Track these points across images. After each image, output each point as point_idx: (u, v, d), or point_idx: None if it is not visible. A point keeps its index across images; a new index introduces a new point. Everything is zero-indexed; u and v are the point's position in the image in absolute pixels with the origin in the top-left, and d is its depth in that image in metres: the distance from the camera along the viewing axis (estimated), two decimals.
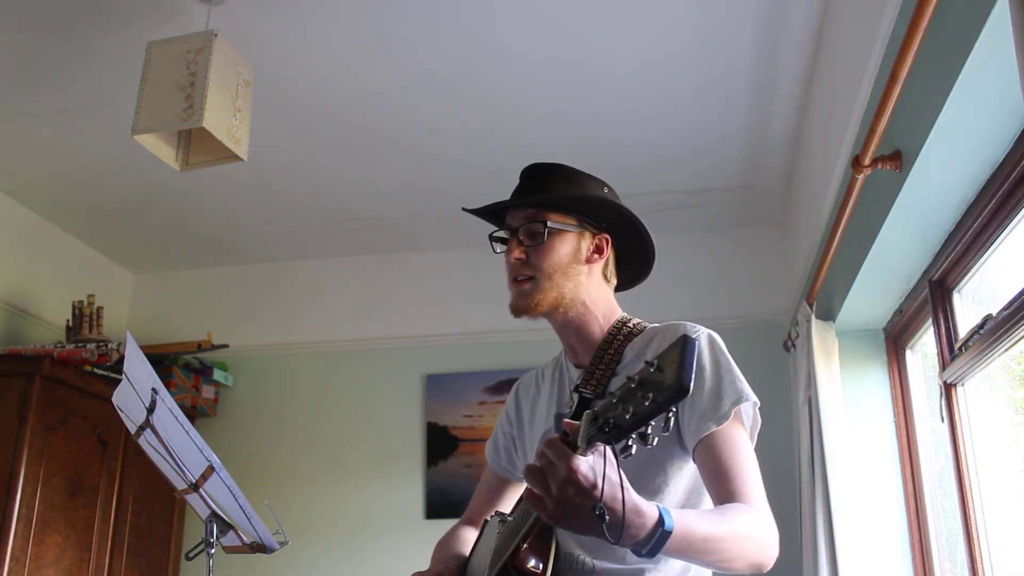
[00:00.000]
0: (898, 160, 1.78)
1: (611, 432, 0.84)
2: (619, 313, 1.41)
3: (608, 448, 0.88)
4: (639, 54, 2.44)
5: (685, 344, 0.80)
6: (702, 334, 1.26)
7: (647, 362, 0.84)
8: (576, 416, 1.27)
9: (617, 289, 1.46)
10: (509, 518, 1.26)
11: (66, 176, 3.16)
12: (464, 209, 1.45)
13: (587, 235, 1.37)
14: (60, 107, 2.69)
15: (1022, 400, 2.04)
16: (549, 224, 1.34)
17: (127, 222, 3.55)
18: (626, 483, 0.91)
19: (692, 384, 0.79)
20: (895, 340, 2.65)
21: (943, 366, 2.10)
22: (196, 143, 2.24)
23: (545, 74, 2.53)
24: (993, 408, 2.06)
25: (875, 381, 2.68)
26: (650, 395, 0.81)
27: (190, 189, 3.23)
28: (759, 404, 1.22)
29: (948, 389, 2.11)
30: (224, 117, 2.06)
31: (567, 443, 0.90)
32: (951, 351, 2.06)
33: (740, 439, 1.18)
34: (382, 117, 2.77)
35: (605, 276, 1.40)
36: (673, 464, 1.24)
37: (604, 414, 0.86)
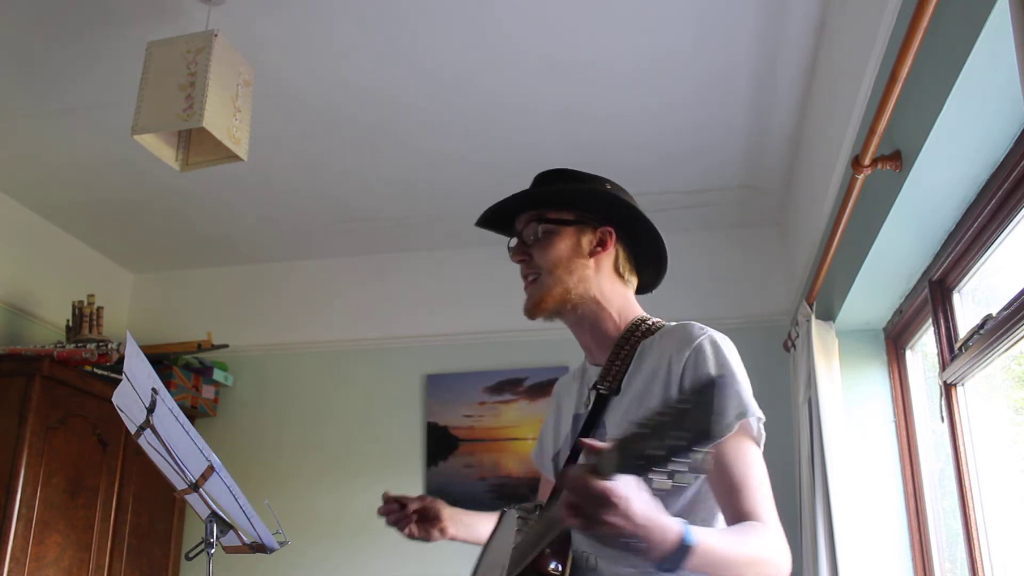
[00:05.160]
0: (898, 160, 1.78)
1: (644, 464, 0.84)
2: (637, 312, 1.40)
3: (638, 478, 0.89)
4: (639, 53, 2.44)
5: (714, 386, 0.79)
6: (706, 338, 1.24)
7: (680, 396, 0.83)
8: (593, 414, 1.30)
9: (641, 291, 1.45)
10: (530, 516, 1.28)
11: (66, 176, 3.16)
12: (477, 224, 1.47)
13: (587, 229, 1.37)
14: (60, 107, 2.69)
15: (1022, 400, 2.04)
16: (545, 221, 1.36)
17: (127, 222, 3.55)
18: (648, 506, 0.92)
19: (717, 429, 0.78)
20: (895, 340, 2.65)
21: (943, 366, 2.10)
22: (196, 143, 2.24)
23: (546, 74, 2.53)
24: (993, 408, 2.06)
25: (875, 381, 2.68)
26: (681, 434, 0.80)
27: (190, 189, 3.23)
28: (763, 419, 1.20)
29: (948, 389, 2.11)
30: (224, 117, 2.06)
31: (594, 470, 0.89)
32: (951, 351, 2.06)
33: (749, 453, 1.17)
34: (382, 117, 2.77)
35: (618, 273, 1.39)
36: None
37: (634, 445, 0.84)
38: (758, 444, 1.19)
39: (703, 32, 2.34)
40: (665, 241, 1.40)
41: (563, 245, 1.35)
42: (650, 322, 1.36)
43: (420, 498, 1.48)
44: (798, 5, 2.22)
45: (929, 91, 1.56)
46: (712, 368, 1.20)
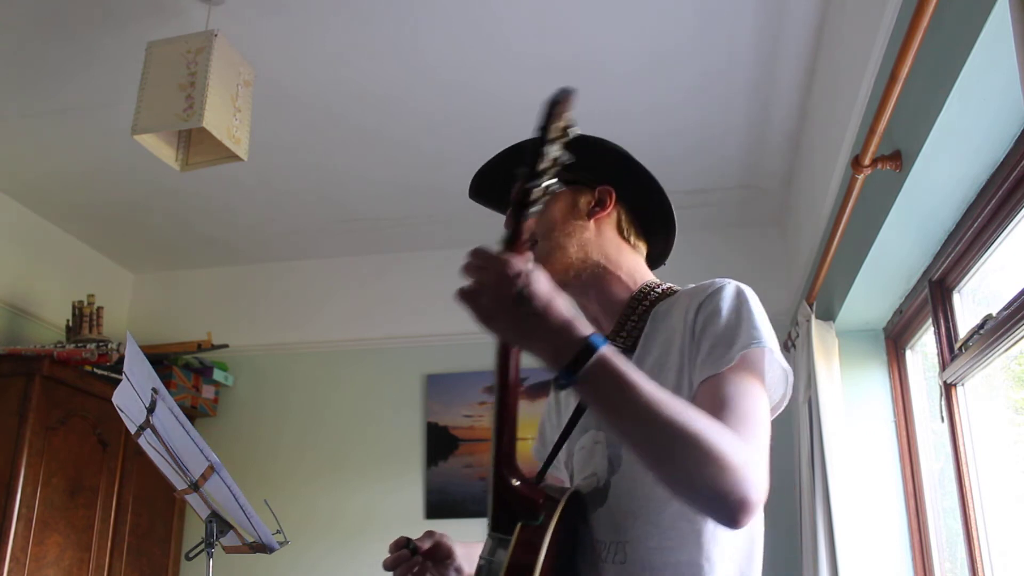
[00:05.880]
0: (898, 160, 1.78)
1: (520, 198, 0.84)
2: (651, 278, 1.27)
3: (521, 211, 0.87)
4: (639, 53, 2.44)
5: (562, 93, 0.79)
6: (728, 283, 1.12)
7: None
8: None
9: (653, 261, 1.34)
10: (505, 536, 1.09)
11: (66, 176, 3.16)
12: (471, 197, 1.38)
13: (584, 189, 1.26)
14: (60, 107, 2.69)
15: (1022, 400, 2.04)
16: None
17: (127, 222, 3.55)
18: (555, 291, 0.89)
19: (552, 110, 0.78)
20: (895, 340, 2.65)
21: (943, 366, 2.10)
22: (196, 143, 2.25)
23: (545, 73, 2.53)
24: (993, 408, 2.06)
25: (875, 381, 2.68)
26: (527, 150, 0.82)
27: (190, 189, 3.23)
28: (776, 352, 1.05)
29: (948, 389, 2.11)
30: (224, 117, 2.06)
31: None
32: (951, 351, 2.06)
33: (746, 382, 1.00)
34: (382, 117, 2.77)
35: (623, 236, 1.27)
36: None
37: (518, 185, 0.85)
38: (763, 382, 1.04)
39: (702, 32, 2.34)
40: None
41: (558, 207, 1.24)
42: (664, 286, 1.24)
43: (429, 534, 1.28)
44: (798, 5, 2.22)
45: (929, 91, 1.56)
46: (727, 307, 1.07)
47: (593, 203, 1.26)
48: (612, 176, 1.27)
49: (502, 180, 1.29)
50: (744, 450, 0.90)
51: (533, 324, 0.87)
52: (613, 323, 1.23)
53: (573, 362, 0.86)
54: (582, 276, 1.23)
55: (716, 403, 0.97)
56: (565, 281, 1.23)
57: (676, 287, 1.25)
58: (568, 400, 1.33)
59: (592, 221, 1.25)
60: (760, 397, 1.01)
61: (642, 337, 1.18)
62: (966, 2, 1.37)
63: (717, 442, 0.87)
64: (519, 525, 0.97)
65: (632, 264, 1.26)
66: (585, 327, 0.88)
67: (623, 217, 1.28)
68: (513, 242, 0.88)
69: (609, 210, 1.26)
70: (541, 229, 1.24)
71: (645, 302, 1.21)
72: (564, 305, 0.88)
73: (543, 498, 0.99)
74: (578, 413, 1.18)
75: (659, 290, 1.23)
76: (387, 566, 1.27)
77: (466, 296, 0.87)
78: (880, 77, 1.85)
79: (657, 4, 2.23)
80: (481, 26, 2.33)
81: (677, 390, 1.07)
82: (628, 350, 1.17)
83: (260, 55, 2.36)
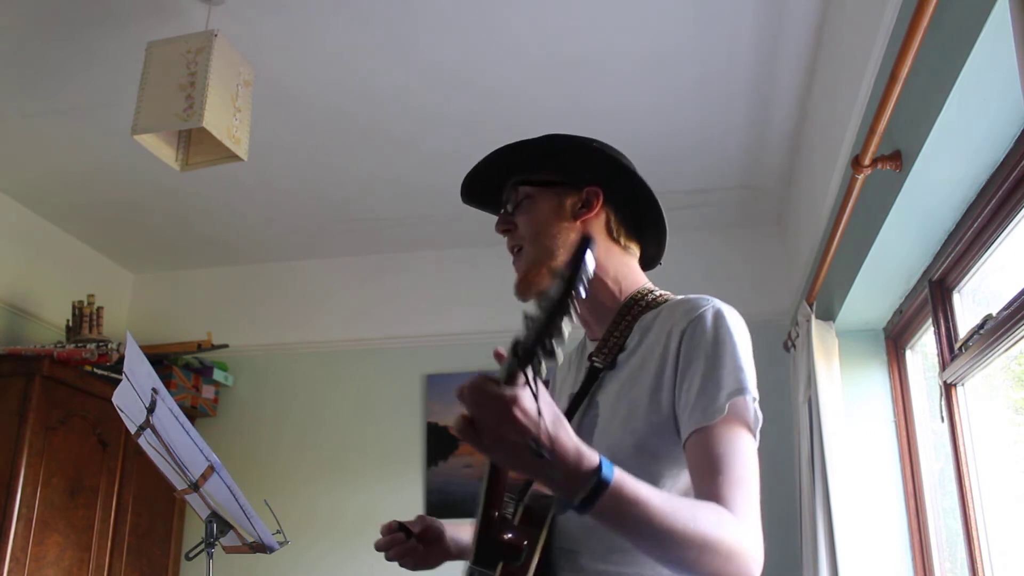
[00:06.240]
0: (898, 160, 1.78)
1: (522, 356, 0.78)
2: (641, 282, 1.26)
3: (529, 378, 0.81)
4: (639, 52, 2.44)
5: (578, 246, 0.75)
6: (710, 307, 1.12)
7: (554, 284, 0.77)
8: (585, 388, 1.19)
9: (648, 265, 1.34)
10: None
11: (66, 176, 3.16)
12: (463, 200, 1.37)
13: (571, 190, 1.24)
14: (60, 107, 2.69)
15: (1022, 400, 2.04)
16: (522, 185, 1.26)
17: (127, 222, 3.55)
18: (559, 419, 0.85)
19: (576, 279, 0.73)
20: (895, 340, 2.65)
21: (943, 366, 2.10)
22: (196, 143, 2.25)
23: (546, 71, 2.53)
24: (993, 408, 2.06)
25: (875, 381, 2.68)
26: (543, 304, 0.76)
27: (190, 189, 3.23)
28: (758, 398, 1.07)
29: (948, 389, 2.11)
30: (224, 117, 2.06)
31: (491, 378, 0.83)
32: (951, 351, 2.06)
33: (738, 438, 1.03)
34: (382, 116, 2.77)
35: (613, 238, 1.26)
36: (669, 453, 1.09)
37: (518, 344, 0.79)
38: (752, 430, 1.06)
39: (702, 31, 2.34)
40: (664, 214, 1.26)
41: (544, 209, 1.23)
42: (655, 294, 1.24)
43: (420, 519, 1.31)
44: (798, 5, 2.22)
45: (929, 91, 1.56)
46: (710, 340, 1.08)
47: (580, 204, 1.24)
48: (600, 177, 1.26)
49: (495, 181, 1.31)
50: (745, 535, 0.95)
51: (541, 464, 0.84)
52: (602, 328, 1.23)
53: (587, 498, 0.86)
54: None
55: (710, 465, 1.01)
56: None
57: (665, 295, 1.24)
58: (565, 393, 1.32)
59: (579, 222, 1.24)
60: (749, 450, 1.04)
61: (625, 350, 1.18)
62: (966, 2, 1.37)
63: (721, 538, 0.92)
64: (501, 564, 1.01)
65: (621, 268, 1.25)
66: (591, 454, 0.86)
67: (612, 218, 1.26)
68: (512, 379, 0.82)
69: (596, 211, 1.25)
70: (527, 231, 1.24)
71: (632, 312, 1.21)
72: (567, 434, 0.86)
73: (527, 539, 1.02)
74: (571, 412, 1.19)
75: (648, 299, 1.23)
76: (380, 547, 1.29)
77: (464, 433, 0.84)
78: (880, 77, 1.85)
79: (657, 4, 2.23)
80: (481, 26, 2.33)
81: (650, 407, 1.09)
82: (610, 365, 1.18)
83: (260, 55, 2.36)
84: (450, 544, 1.31)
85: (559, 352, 0.78)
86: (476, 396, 0.82)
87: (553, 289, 0.76)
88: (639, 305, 1.21)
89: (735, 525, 0.95)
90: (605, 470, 0.85)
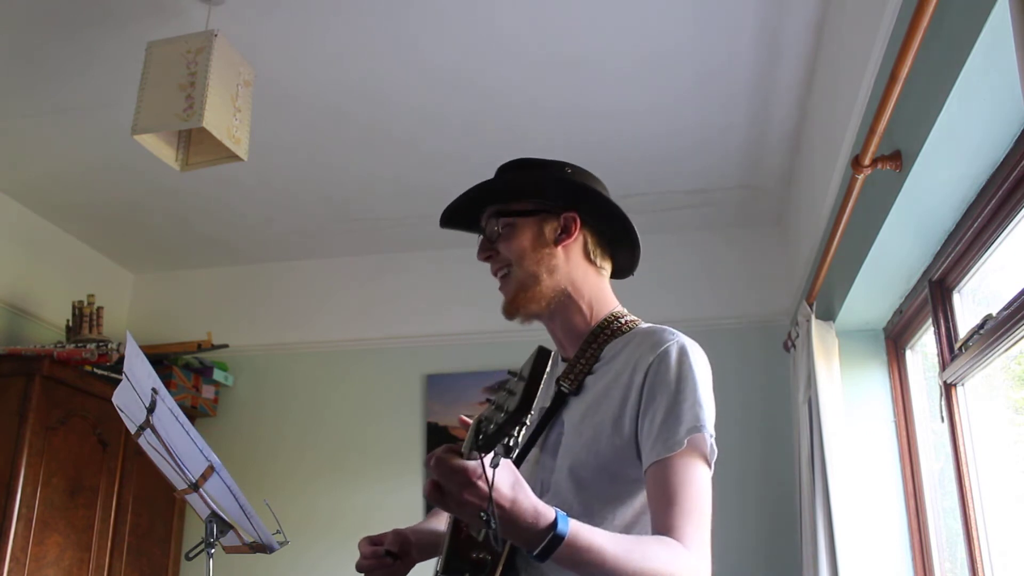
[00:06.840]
0: (898, 160, 1.78)
1: (482, 443, 0.87)
2: (613, 306, 1.33)
3: (487, 462, 0.89)
4: (638, 52, 2.44)
5: (535, 359, 0.82)
6: (674, 344, 1.19)
7: (509, 372, 0.87)
8: (551, 411, 1.27)
9: (620, 275, 1.40)
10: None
11: (66, 176, 3.16)
12: (442, 226, 1.46)
13: (550, 218, 1.31)
14: (60, 107, 2.69)
15: (1022, 400, 2.04)
16: (503, 215, 1.32)
17: (127, 222, 3.55)
18: (518, 483, 0.93)
19: (537, 388, 0.81)
20: (895, 340, 2.65)
21: (943, 366, 2.10)
22: (196, 143, 2.24)
23: (545, 72, 2.53)
24: (993, 408, 2.06)
25: (875, 381, 2.68)
26: (504, 409, 0.84)
27: (190, 189, 3.23)
28: (714, 436, 1.14)
29: (948, 389, 2.11)
30: (224, 117, 2.06)
31: (455, 450, 0.93)
32: (951, 351, 2.06)
33: (692, 470, 1.10)
34: (382, 116, 2.77)
35: (589, 260, 1.32)
36: (628, 475, 1.17)
37: (481, 423, 0.89)
38: (708, 462, 1.13)
39: (702, 31, 2.34)
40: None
41: (526, 235, 1.30)
42: (623, 320, 1.30)
43: (395, 533, 1.37)
44: (798, 4, 2.22)
45: (929, 91, 1.56)
46: (673, 376, 1.15)
47: (559, 230, 1.31)
48: (574, 200, 1.32)
49: (473, 211, 1.40)
50: (695, 566, 1.04)
51: (501, 524, 0.92)
52: (573, 348, 1.31)
53: (544, 550, 0.94)
54: (551, 304, 1.30)
55: (665, 495, 1.09)
56: (539, 312, 1.30)
57: (633, 321, 1.31)
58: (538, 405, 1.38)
59: (560, 248, 1.30)
60: (703, 481, 1.12)
61: (592, 374, 1.26)
62: (966, 2, 1.37)
63: (672, 573, 1.01)
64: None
65: (594, 291, 1.32)
66: (547, 512, 0.94)
67: (590, 240, 1.33)
68: (474, 453, 0.91)
69: (575, 236, 1.31)
70: (511, 256, 1.30)
71: (600, 338, 1.28)
72: (525, 494, 0.94)
73: (492, 555, 1.13)
74: (539, 430, 1.27)
75: (615, 324, 1.29)
76: (364, 569, 1.35)
77: (432, 496, 0.94)
78: (880, 77, 1.85)
79: (657, 4, 2.23)
80: (481, 26, 2.33)
81: (613, 433, 1.17)
82: (574, 392, 1.25)
83: (260, 55, 2.36)
84: (416, 554, 1.38)
85: (520, 441, 0.86)
86: (440, 468, 0.91)
87: (518, 391, 0.83)
88: (608, 330, 1.29)
89: (685, 558, 1.03)
90: (560, 525, 0.94)
